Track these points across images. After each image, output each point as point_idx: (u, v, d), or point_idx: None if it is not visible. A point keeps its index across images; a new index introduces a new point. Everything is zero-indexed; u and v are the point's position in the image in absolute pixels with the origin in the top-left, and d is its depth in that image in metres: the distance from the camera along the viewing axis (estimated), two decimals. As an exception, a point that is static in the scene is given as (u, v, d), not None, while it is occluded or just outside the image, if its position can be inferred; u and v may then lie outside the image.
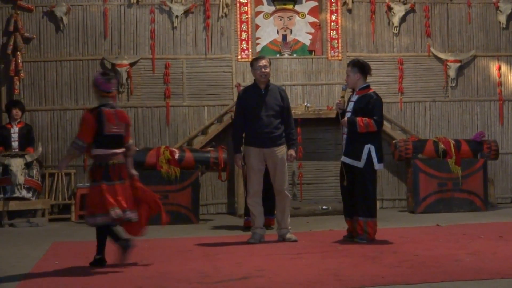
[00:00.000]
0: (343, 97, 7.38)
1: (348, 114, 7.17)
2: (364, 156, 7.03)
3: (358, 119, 7.02)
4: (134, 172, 6.28)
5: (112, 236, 6.05)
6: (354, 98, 7.25)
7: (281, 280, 5.18)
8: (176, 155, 9.72)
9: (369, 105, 7.10)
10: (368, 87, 7.29)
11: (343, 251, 6.50)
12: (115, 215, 5.89)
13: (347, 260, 6.00)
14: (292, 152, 7.40)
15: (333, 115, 8.87)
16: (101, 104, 6.13)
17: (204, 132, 11.17)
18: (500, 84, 11.90)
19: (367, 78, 7.41)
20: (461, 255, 6.05)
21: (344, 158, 7.14)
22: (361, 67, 7.28)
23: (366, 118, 7.02)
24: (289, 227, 7.46)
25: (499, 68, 11.90)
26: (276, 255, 6.45)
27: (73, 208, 10.56)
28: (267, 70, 7.37)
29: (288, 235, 7.36)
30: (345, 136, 7.18)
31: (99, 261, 6.07)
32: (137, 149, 10.05)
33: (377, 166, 7.10)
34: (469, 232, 7.69)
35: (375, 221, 7.13)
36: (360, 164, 7.03)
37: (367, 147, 7.04)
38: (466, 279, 5.04)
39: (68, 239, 8.29)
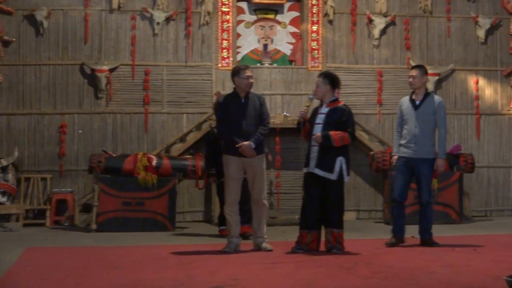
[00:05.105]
0: (308, 106, 7.34)
1: (318, 126, 7.14)
2: (337, 168, 7.05)
3: (331, 133, 7.00)
4: None
5: None
6: (324, 110, 7.22)
7: (255, 289, 5.17)
8: (154, 162, 9.69)
9: (343, 117, 7.13)
10: (337, 99, 7.33)
11: (318, 261, 6.50)
12: None
13: (321, 270, 5.99)
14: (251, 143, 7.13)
15: None
16: None
17: (182, 139, 11.15)
18: (477, 98, 12.02)
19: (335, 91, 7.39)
20: (435, 267, 6.08)
21: (316, 170, 7.11)
22: (332, 79, 7.27)
23: (340, 132, 7.03)
24: (265, 236, 7.45)
25: (477, 82, 12.02)
26: (251, 264, 6.43)
27: (48, 213, 10.49)
28: (253, 80, 7.40)
29: (264, 244, 7.35)
30: (315, 148, 7.15)
31: None
32: (114, 155, 10.04)
33: (346, 178, 7.15)
34: (443, 244, 7.73)
35: (343, 231, 7.21)
36: (333, 176, 7.05)
37: (339, 159, 7.06)
38: (439, 291, 5.07)
39: (42, 244, 8.21)
